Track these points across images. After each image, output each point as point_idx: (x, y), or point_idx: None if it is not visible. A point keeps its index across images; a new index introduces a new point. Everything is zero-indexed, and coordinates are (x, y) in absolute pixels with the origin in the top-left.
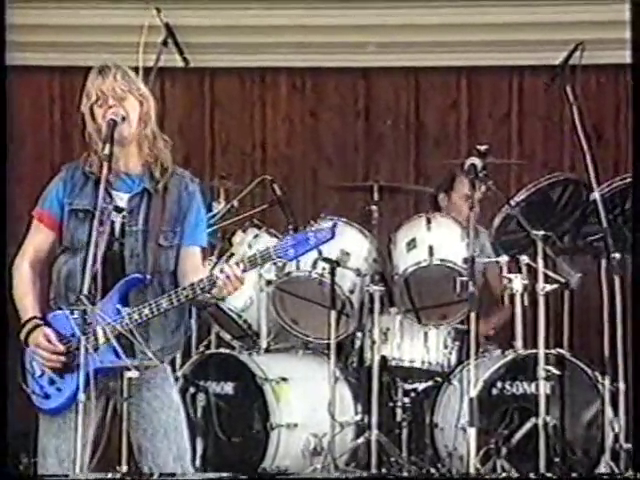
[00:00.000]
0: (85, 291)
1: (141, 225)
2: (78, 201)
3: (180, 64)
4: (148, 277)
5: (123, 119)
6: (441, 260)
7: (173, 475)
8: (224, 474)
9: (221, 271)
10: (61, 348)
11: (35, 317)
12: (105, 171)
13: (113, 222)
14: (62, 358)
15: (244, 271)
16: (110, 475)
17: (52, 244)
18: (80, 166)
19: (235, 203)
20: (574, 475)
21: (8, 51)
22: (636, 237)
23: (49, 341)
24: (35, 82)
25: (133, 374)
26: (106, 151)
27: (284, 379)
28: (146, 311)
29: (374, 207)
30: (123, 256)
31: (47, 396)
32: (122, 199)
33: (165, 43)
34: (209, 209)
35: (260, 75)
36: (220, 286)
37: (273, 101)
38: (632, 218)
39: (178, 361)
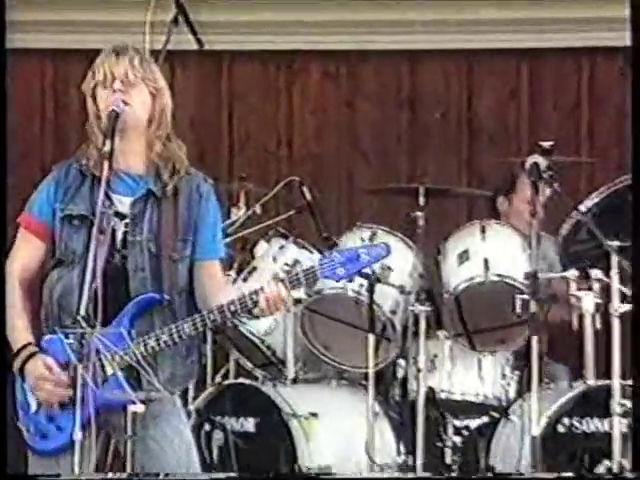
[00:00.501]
0: (82, 311)
1: (146, 234)
2: (72, 205)
3: (193, 46)
4: (166, 297)
5: (125, 104)
6: (498, 275)
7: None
8: (232, 474)
9: (262, 291)
10: (65, 379)
11: (30, 343)
12: (106, 171)
13: (114, 230)
14: (69, 391)
15: (286, 290)
16: (117, 475)
17: (43, 256)
18: (75, 163)
19: (257, 209)
20: (575, 475)
21: None
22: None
23: (51, 371)
24: (24, 66)
25: (138, 408)
26: (107, 147)
27: (314, 414)
28: (165, 337)
29: (420, 213)
30: (126, 270)
31: (44, 435)
32: (123, 203)
33: (175, 21)
34: (227, 216)
35: (287, 59)
36: (262, 308)
37: (302, 89)
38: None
39: (191, 393)
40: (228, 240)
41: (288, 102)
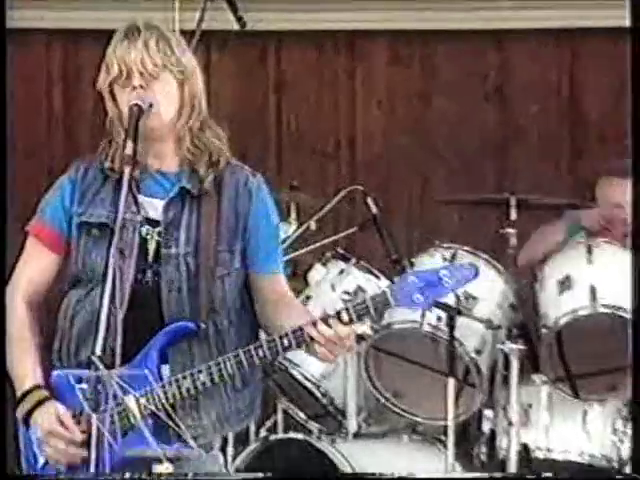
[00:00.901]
0: (98, 349)
1: (183, 245)
2: (92, 211)
3: (233, 26)
4: (203, 325)
5: (150, 105)
6: (608, 306)
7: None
8: (261, 474)
9: (314, 327)
10: (79, 436)
11: (39, 386)
12: (127, 176)
13: (145, 241)
14: (83, 451)
15: (348, 323)
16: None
17: (56, 271)
18: (96, 162)
19: (312, 224)
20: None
21: None
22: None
23: (64, 425)
24: (27, 49)
25: (165, 469)
26: (128, 150)
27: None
28: (202, 377)
29: (511, 230)
30: (159, 291)
31: None
32: (155, 208)
33: None
34: None
35: (347, 41)
36: (319, 349)
37: (366, 78)
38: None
39: (230, 450)
40: None
41: (349, 93)
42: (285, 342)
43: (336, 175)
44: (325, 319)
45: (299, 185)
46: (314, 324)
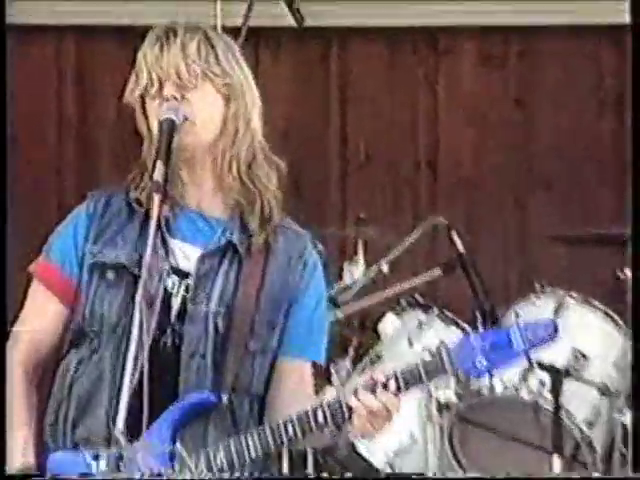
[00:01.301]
0: (120, 423)
1: (215, 304)
2: (110, 250)
3: (289, 22)
4: (224, 397)
5: (185, 119)
6: None
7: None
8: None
9: (355, 395)
10: None
11: (29, 467)
12: (156, 207)
13: (169, 295)
14: None
15: (397, 393)
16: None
17: (64, 327)
18: (121, 194)
19: (384, 266)
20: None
21: None
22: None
23: None
24: (35, 48)
25: None
26: (157, 174)
27: None
28: (221, 456)
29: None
30: (178, 354)
31: None
32: (188, 257)
33: None
34: (339, 276)
35: (426, 38)
36: (359, 421)
37: (450, 81)
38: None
39: None
40: (340, 316)
41: (430, 102)
42: (319, 415)
43: (413, 204)
44: (368, 387)
45: (368, 217)
46: (355, 393)
